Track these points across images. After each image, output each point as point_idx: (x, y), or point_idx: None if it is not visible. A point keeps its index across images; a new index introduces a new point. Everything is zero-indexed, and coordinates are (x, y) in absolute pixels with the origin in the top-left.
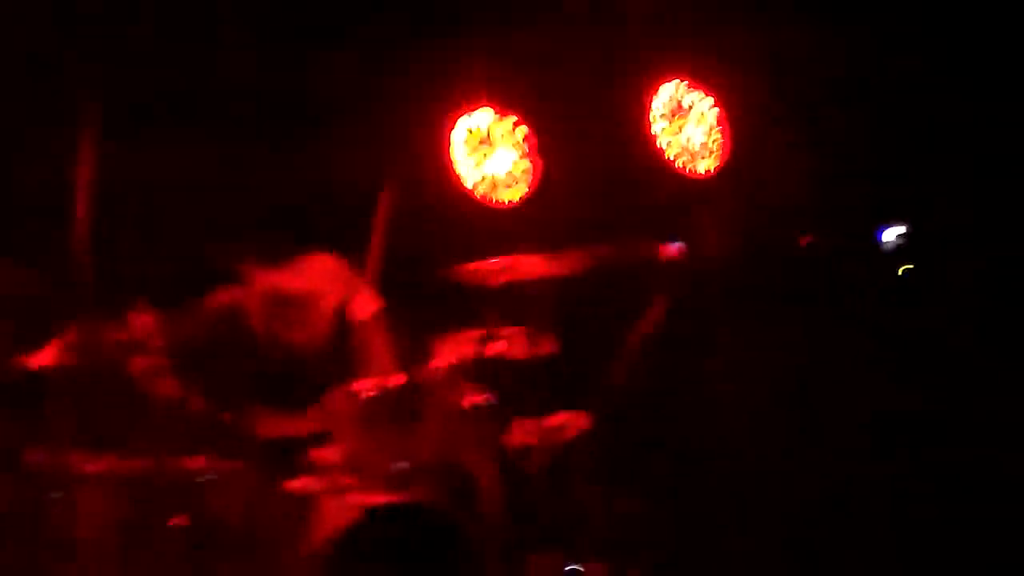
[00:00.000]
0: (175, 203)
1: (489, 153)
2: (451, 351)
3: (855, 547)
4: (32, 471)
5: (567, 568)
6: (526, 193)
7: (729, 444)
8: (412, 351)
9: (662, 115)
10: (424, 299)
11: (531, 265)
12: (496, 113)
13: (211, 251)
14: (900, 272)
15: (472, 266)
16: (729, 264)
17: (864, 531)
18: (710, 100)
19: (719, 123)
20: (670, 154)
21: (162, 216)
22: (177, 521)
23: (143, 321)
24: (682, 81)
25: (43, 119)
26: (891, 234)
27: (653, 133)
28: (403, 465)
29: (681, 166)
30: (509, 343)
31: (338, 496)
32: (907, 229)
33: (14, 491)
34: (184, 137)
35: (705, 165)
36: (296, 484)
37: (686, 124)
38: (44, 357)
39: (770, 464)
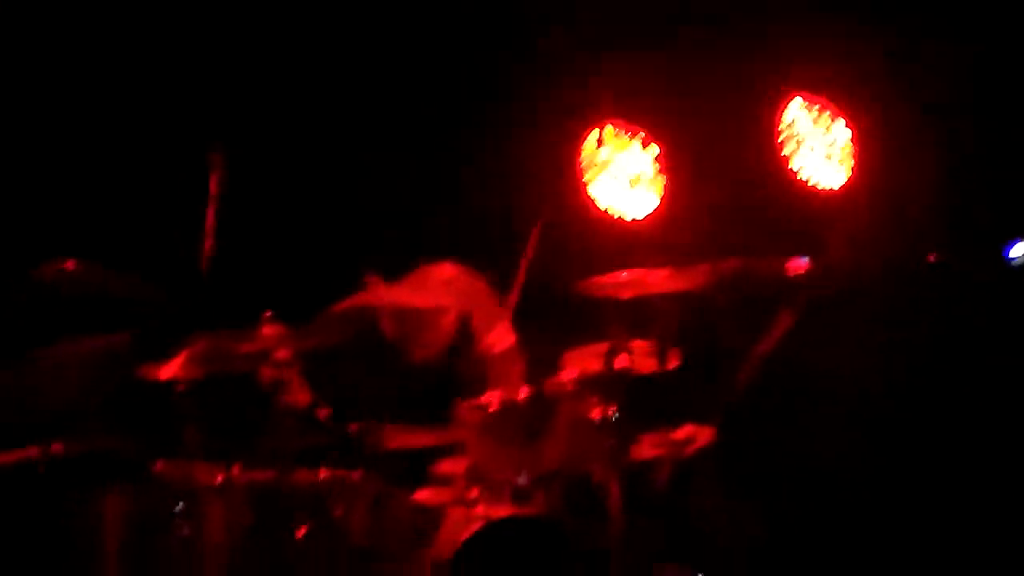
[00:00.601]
0: (303, 212)
1: (619, 168)
2: (578, 364)
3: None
4: (161, 482)
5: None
6: (656, 208)
7: (852, 459)
8: (540, 364)
9: (790, 130)
10: (553, 313)
11: (659, 279)
12: (627, 129)
13: (340, 261)
14: None
15: (600, 280)
16: (856, 280)
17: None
18: (839, 115)
19: (848, 137)
20: (798, 169)
21: (292, 227)
22: (302, 531)
23: (272, 331)
24: (810, 95)
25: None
26: (1020, 249)
27: (781, 148)
28: (528, 478)
29: (809, 181)
30: (636, 357)
31: (462, 507)
32: None
33: (144, 502)
34: (313, 147)
35: (833, 180)
36: (422, 495)
37: (815, 139)
38: (172, 368)
39: (890, 479)
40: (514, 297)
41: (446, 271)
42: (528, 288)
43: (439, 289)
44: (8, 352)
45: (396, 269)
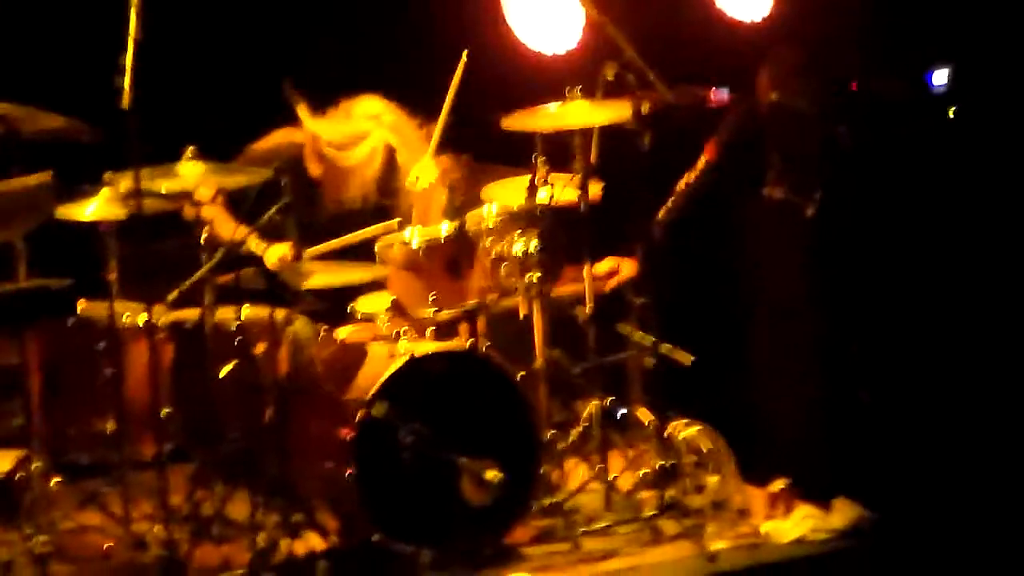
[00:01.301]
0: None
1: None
2: (500, 197)
3: None
4: (84, 321)
5: (616, 410)
6: (577, 41)
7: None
8: (463, 205)
9: None
10: (475, 146)
11: (580, 112)
12: None
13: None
14: (950, 114)
15: (522, 113)
16: (777, 110)
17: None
18: None
19: None
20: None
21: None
22: (225, 369)
23: (194, 168)
24: None
25: None
26: (940, 76)
27: None
28: (450, 312)
29: (731, 12)
30: (558, 187)
31: (385, 344)
32: (954, 70)
33: (67, 341)
34: None
35: (755, 11)
36: (345, 332)
37: None
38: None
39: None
40: (438, 130)
41: (372, 105)
42: (451, 121)
43: (365, 122)
44: None
45: (321, 103)
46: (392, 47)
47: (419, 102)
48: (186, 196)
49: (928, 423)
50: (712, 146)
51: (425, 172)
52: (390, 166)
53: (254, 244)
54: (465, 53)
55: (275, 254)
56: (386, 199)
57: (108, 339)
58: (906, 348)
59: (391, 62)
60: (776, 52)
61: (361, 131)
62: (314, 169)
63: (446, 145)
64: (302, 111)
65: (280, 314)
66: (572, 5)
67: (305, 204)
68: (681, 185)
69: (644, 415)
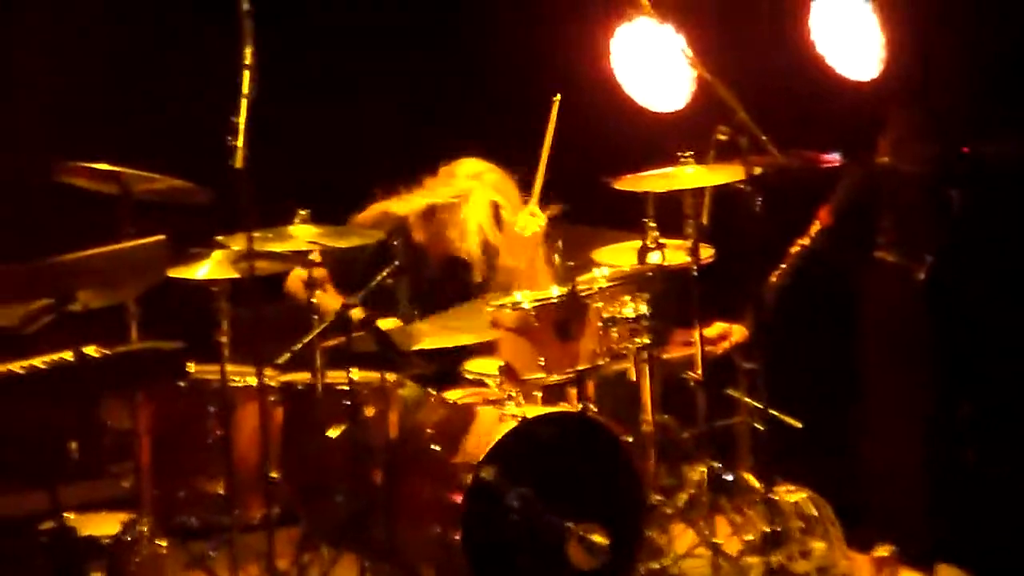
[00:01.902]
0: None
1: (652, 59)
2: (611, 259)
3: None
4: (195, 383)
5: (724, 475)
6: (687, 101)
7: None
8: (572, 267)
9: (821, 20)
10: (584, 207)
11: (692, 174)
12: (656, 20)
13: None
14: None
15: (633, 174)
16: (889, 173)
17: None
18: (870, 4)
19: (876, 25)
20: (829, 60)
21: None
22: (335, 432)
23: (306, 231)
24: None
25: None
26: None
27: (812, 39)
28: (559, 377)
29: (841, 72)
30: (669, 250)
31: (494, 407)
32: None
33: (178, 403)
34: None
35: (864, 71)
36: (454, 395)
37: (845, 29)
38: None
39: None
40: (540, 177)
41: (473, 165)
42: (559, 184)
43: (467, 182)
44: (41, 252)
45: (425, 165)
46: (506, 112)
47: (525, 166)
48: (298, 258)
49: None
50: (825, 211)
51: (531, 222)
52: (496, 222)
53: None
54: (558, 97)
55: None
56: (493, 260)
57: (218, 401)
58: (1016, 412)
59: (501, 127)
60: (894, 115)
61: (464, 190)
62: (419, 235)
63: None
64: (398, 202)
65: (390, 377)
66: (682, 64)
67: (413, 269)
68: (794, 249)
69: (752, 480)
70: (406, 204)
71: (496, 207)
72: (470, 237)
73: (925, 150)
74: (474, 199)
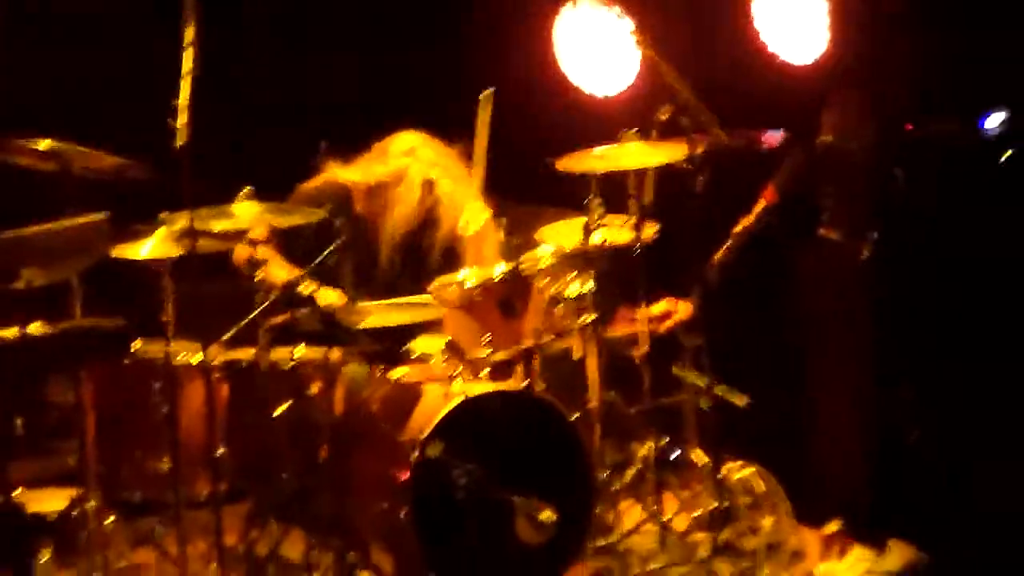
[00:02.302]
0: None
1: (591, 45)
2: (554, 238)
3: None
4: (139, 360)
5: (671, 451)
6: (630, 82)
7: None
8: (517, 245)
9: (764, 2)
10: (527, 186)
11: (634, 153)
12: (603, 2)
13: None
14: (1003, 159)
15: (576, 153)
16: (832, 152)
17: None
18: None
19: (823, 8)
20: (771, 42)
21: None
22: (279, 410)
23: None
24: None
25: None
26: (994, 120)
27: (753, 21)
28: (508, 355)
29: (782, 54)
30: (613, 229)
31: (440, 385)
32: (1009, 114)
33: (122, 381)
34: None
35: (807, 52)
36: (399, 373)
37: (787, 11)
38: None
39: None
40: (479, 173)
41: (407, 139)
42: (502, 162)
43: (401, 159)
44: None
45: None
46: (443, 89)
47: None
48: (240, 236)
49: (982, 463)
50: (770, 189)
51: (475, 217)
52: (431, 199)
53: (306, 286)
54: (491, 92)
55: (327, 298)
56: (434, 240)
57: (163, 378)
58: (959, 389)
59: (440, 104)
60: (837, 93)
61: (398, 168)
62: (361, 208)
63: (494, 188)
64: (333, 167)
65: (335, 354)
66: (627, 46)
67: (357, 245)
68: (738, 228)
69: (699, 456)
70: (347, 174)
71: (430, 185)
72: (408, 211)
73: (868, 128)
74: (408, 178)
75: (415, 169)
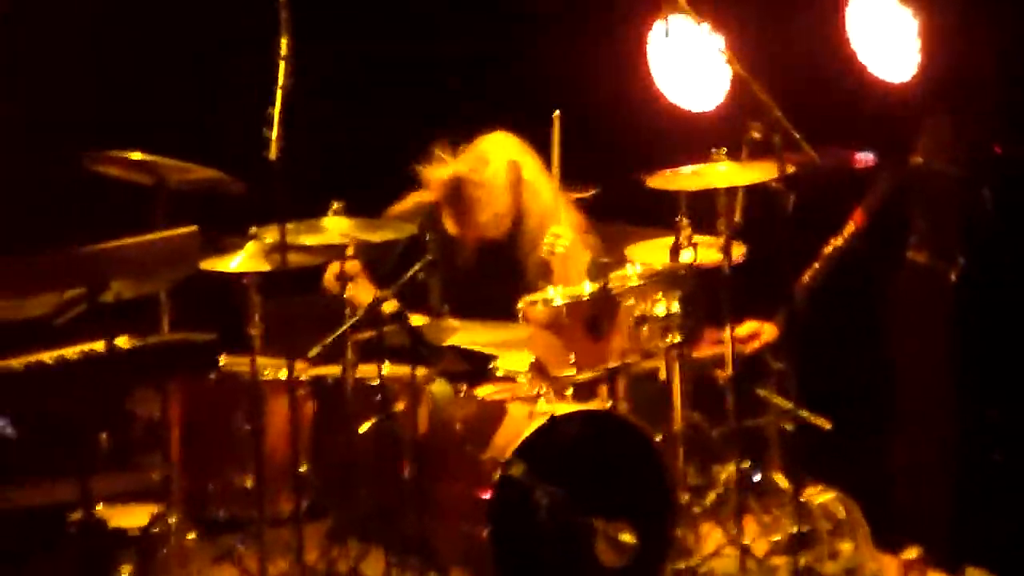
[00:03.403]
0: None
1: (686, 58)
2: (642, 257)
3: None
4: (225, 375)
5: (753, 475)
6: (721, 100)
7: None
8: (604, 264)
9: (857, 21)
10: (616, 204)
11: (725, 172)
12: (694, 19)
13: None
14: None
15: (665, 172)
16: (922, 174)
17: None
18: (906, 8)
19: (915, 29)
20: (865, 61)
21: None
22: (364, 426)
23: (339, 224)
24: None
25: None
26: None
27: (848, 39)
28: (589, 374)
29: (877, 73)
30: (701, 248)
31: (524, 403)
32: None
33: (208, 395)
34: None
35: (899, 72)
36: (484, 391)
37: (880, 30)
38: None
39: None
40: (559, 194)
41: (492, 139)
42: (590, 179)
43: (486, 149)
44: (74, 242)
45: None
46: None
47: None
48: (332, 250)
49: None
50: (859, 211)
51: (560, 238)
52: (518, 183)
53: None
54: (557, 114)
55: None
56: (523, 261)
57: (249, 394)
58: None
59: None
60: (928, 115)
61: (484, 155)
62: (451, 226)
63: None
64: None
65: (421, 372)
66: (718, 63)
67: (446, 262)
68: (827, 249)
69: (781, 480)
70: (433, 177)
71: (517, 167)
72: (496, 201)
73: (959, 151)
74: (494, 162)
75: (500, 154)
